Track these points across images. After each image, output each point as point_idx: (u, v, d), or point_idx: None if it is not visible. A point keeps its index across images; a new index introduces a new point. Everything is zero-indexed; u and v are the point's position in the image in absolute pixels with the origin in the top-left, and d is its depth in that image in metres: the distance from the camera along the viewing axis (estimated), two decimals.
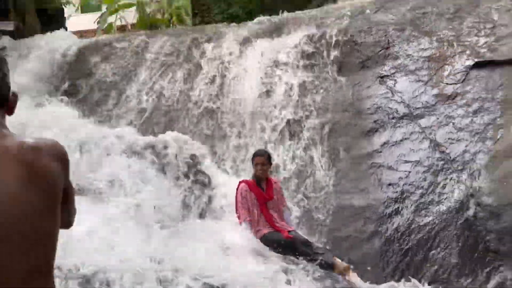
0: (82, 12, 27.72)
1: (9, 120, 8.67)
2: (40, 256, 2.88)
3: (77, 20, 26.28)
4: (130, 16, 25.16)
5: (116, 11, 25.12)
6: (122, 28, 25.34)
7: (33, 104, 11.43)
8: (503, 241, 9.07)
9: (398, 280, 9.08)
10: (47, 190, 2.86)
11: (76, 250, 7.84)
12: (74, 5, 26.08)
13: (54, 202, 2.92)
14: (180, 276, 8.01)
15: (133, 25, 24.35)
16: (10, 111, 3.06)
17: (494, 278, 8.97)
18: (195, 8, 15.53)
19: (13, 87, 10.09)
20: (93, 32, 25.92)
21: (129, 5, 24.67)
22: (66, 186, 3.10)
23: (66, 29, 20.65)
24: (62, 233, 3.55)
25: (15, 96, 3.02)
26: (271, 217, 9.29)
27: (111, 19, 25.41)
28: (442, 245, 9.27)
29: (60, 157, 2.99)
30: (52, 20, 19.56)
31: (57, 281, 3.70)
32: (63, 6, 22.16)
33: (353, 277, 8.94)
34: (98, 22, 25.50)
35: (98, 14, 26.47)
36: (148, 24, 22.61)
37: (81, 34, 26.52)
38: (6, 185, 2.69)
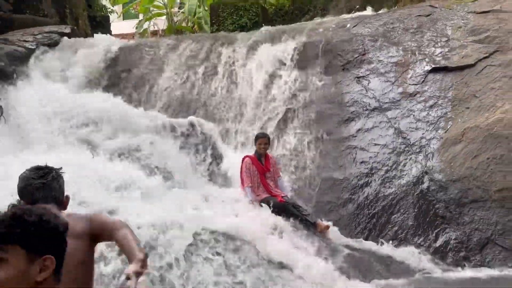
0: (124, 19, 27.66)
1: (63, 100, 8.69)
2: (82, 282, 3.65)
3: (119, 25, 26.23)
4: (161, 23, 25.05)
5: (150, 18, 25.02)
6: (154, 33, 25.22)
7: (79, 90, 11.45)
8: (449, 209, 9.15)
9: (367, 238, 9.26)
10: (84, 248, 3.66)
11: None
12: (117, 13, 26.03)
13: (87, 256, 3.68)
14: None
15: (163, 30, 24.21)
16: (65, 208, 3.82)
17: (441, 238, 9.06)
18: (213, 18, 15.47)
19: (68, 76, 10.09)
20: (131, 35, 25.89)
21: (160, 14, 24.57)
22: (102, 230, 3.79)
23: (110, 32, 20.68)
24: None
25: (67, 198, 3.84)
26: (268, 185, 9.38)
27: (146, 25, 25.30)
28: (401, 210, 9.35)
29: (91, 226, 3.73)
30: (99, 25, 19.58)
31: None
32: (108, 14, 22.14)
33: (331, 233, 9.06)
34: (136, 27, 25.42)
35: (136, 21, 26.39)
36: (175, 30, 22.49)
37: (122, 36, 26.51)
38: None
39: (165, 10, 24.41)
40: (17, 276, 2.16)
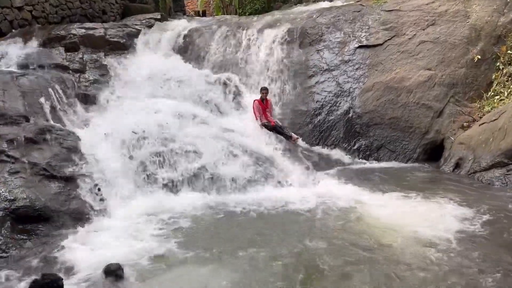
0: None
1: (157, 64, 8.65)
2: None
3: None
4: None
5: None
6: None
7: (165, 56, 11.15)
8: (362, 128, 9.20)
9: (318, 144, 9.29)
10: None
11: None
12: None
13: None
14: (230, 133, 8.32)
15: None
16: None
17: (357, 144, 9.16)
18: (239, 5, 14.61)
19: (159, 47, 9.52)
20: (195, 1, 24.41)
21: None
22: None
23: (184, 4, 19.31)
24: None
25: None
26: (267, 116, 9.31)
27: None
28: (337, 129, 9.35)
29: None
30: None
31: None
32: None
33: (299, 142, 9.21)
34: None
35: None
36: None
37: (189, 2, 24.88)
38: None
39: None
40: None
